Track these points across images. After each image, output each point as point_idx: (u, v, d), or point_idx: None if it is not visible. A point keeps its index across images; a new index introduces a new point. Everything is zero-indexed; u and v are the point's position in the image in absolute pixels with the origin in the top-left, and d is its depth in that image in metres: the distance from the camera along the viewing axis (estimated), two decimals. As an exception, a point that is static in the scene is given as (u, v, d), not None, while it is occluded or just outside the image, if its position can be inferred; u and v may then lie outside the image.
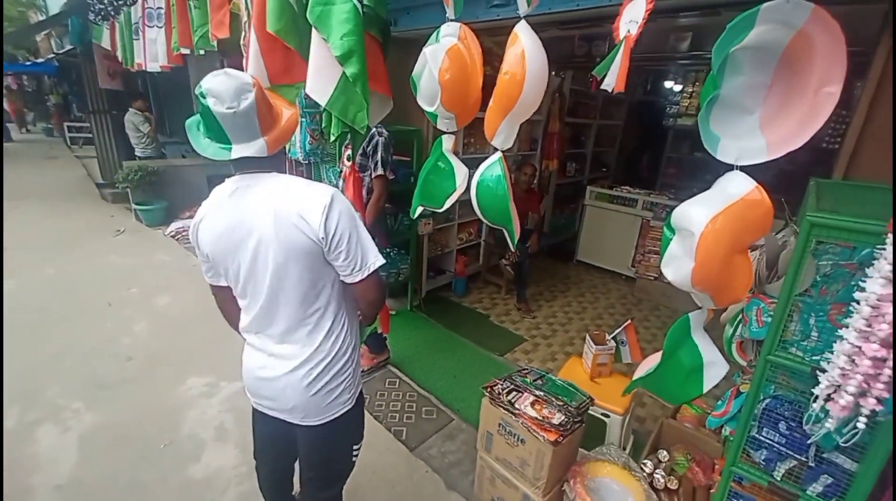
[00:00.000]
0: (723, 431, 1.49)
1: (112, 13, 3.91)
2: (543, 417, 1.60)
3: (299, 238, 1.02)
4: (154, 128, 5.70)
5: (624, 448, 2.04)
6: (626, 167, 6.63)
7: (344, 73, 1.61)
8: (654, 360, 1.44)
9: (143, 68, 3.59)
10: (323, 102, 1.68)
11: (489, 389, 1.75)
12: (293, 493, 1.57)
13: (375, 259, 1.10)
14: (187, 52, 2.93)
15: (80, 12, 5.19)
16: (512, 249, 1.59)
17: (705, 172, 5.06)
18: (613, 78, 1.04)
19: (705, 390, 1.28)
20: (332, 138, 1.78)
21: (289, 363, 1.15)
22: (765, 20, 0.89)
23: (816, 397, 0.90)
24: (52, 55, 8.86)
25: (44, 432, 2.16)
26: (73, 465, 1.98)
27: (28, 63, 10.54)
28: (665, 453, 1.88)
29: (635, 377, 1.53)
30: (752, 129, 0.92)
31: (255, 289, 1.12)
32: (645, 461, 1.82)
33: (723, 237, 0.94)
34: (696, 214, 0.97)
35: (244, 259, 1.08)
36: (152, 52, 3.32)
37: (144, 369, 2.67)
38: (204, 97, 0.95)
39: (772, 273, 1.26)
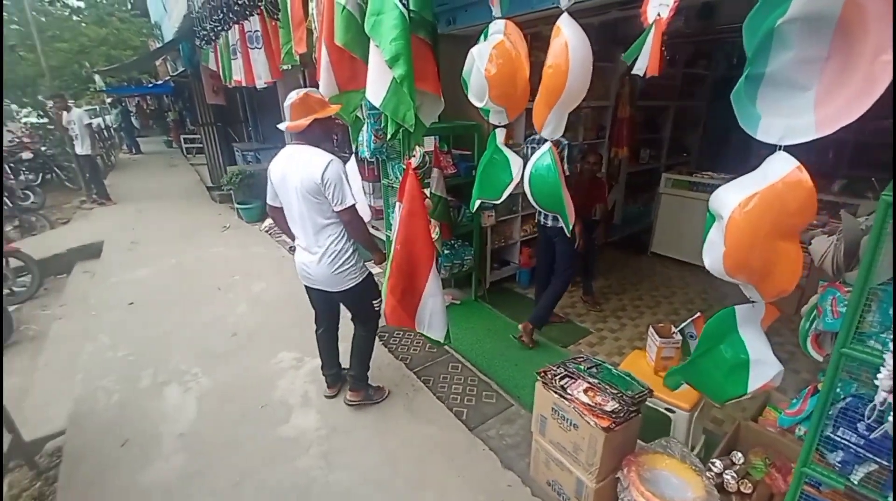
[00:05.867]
0: (797, 431, 1.39)
1: (213, 37, 4.50)
2: (596, 403, 1.61)
3: (311, 183, 1.89)
4: None
5: (692, 448, 1.95)
6: (711, 151, 6.04)
7: (394, 76, 1.74)
8: None
9: (241, 84, 4.08)
10: (377, 103, 1.82)
11: (542, 373, 1.80)
12: (338, 350, 2.49)
13: (350, 201, 1.94)
14: (285, 67, 3.28)
15: (188, 38, 6.02)
16: (567, 234, 1.62)
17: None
18: (645, 62, 1.02)
19: (750, 390, 1.20)
20: (389, 137, 1.93)
21: (315, 257, 2.05)
22: None
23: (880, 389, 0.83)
24: (168, 77, 10.29)
25: (169, 391, 2.63)
26: (192, 419, 2.40)
27: (150, 85, 12.33)
28: (739, 455, 1.77)
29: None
30: (805, 106, 0.85)
31: (295, 212, 2.02)
32: (714, 460, 1.73)
33: (758, 221, 0.89)
34: (727, 197, 0.92)
35: (289, 194, 1.98)
36: (257, 70, 3.70)
37: (245, 343, 3.11)
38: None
39: (853, 261, 1.15)
